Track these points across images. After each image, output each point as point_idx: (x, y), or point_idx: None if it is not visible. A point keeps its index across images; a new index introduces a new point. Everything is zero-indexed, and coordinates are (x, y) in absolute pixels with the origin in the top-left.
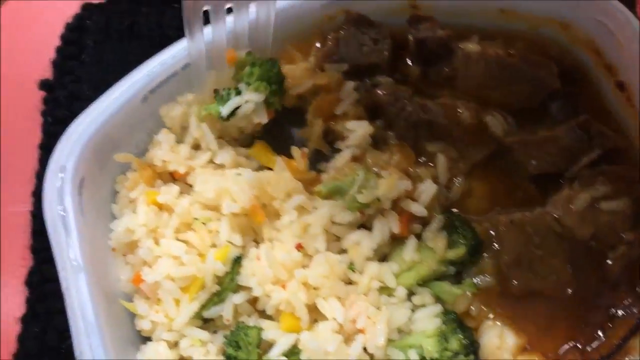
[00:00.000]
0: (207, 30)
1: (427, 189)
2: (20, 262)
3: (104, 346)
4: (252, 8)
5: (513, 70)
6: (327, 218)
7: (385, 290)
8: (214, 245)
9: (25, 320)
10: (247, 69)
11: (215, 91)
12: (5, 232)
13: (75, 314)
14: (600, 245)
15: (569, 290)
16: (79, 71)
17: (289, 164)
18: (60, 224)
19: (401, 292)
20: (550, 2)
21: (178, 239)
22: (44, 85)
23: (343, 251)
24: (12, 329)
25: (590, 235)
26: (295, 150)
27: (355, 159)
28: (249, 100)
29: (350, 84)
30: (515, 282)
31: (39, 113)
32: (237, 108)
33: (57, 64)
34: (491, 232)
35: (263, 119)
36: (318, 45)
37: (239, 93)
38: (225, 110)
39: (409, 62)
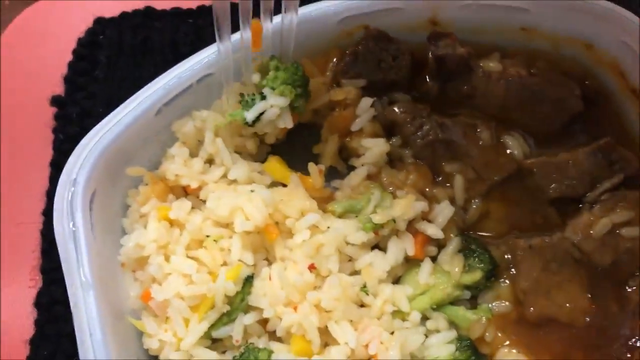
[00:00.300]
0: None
1: (444, 211)
2: (28, 283)
3: None
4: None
5: (535, 91)
6: (341, 238)
7: (398, 314)
8: (225, 264)
9: (34, 342)
10: (271, 73)
11: (241, 95)
12: (13, 249)
13: (83, 331)
14: (620, 272)
15: (587, 319)
16: (91, 87)
17: (304, 181)
18: (71, 239)
19: (415, 316)
20: (573, 22)
21: (189, 256)
22: (56, 101)
23: (356, 272)
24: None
25: (610, 262)
26: (312, 167)
27: (371, 177)
28: (275, 105)
29: (367, 101)
30: (532, 309)
31: (50, 130)
32: (262, 113)
33: (69, 80)
34: (508, 256)
35: (288, 123)
36: (335, 60)
37: (264, 98)
38: (250, 115)
39: (428, 80)
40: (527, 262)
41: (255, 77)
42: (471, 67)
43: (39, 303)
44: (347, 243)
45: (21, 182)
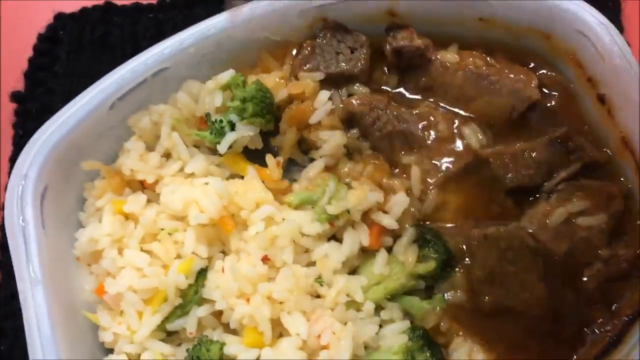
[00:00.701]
0: None
1: (399, 202)
2: None
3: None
4: None
5: (492, 81)
6: (295, 229)
7: (353, 304)
8: (179, 257)
9: None
10: (237, 103)
11: (207, 116)
12: None
13: (31, 327)
14: (575, 261)
15: (542, 308)
16: (51, 83)
17: (262, 173)
18: (20, 234)
19: (369, 306)
20: (530, 12)
21: (143, 250)
22: (16, 97)
23: (312, 264)
24: None
25: (565, 251)
26: (269, 159)
27: (329, 169)
28: (245, 135)
29: (324, 94)
30: (487, 298)
31: (10, 125)
32: None
33: (29, 76)
34: (463, 246)
35: (259, 145)
36: (294, 53)
37: (232, 125)
38: (222, 147)
39: (386, 72)
40: (483, 251)
41: (218, 100)
42: (429, 59)
43: None
44: (303, 234)
45: None
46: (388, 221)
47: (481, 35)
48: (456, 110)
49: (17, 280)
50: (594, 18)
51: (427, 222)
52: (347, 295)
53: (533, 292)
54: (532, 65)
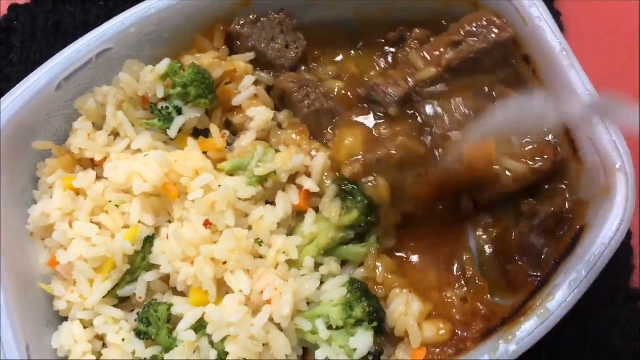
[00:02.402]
0: None
1: (318, 163)
2: None
3: (12, 325)
4: None
5: None
6: (232, 194)
7: (294, 263)
8: (126, 227)
9: None
10: (179, 89)
11: (152, 106)
12: None
13: None
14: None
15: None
16: (7, 70)
17: (206, 143)
18: None
19: (308, 262)
20: None
21: (92, 222)
22: None
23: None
24: None
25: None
26: (213, 127)
27: (260, 139)
28: (193, 117)
29: (249, 79)
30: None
31: None
32: None
33: None
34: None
35: (207, 124)
36: (221, 28)
37: (178, 110)
38: (173, 131)
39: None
40: (382, 175)
41: (160, 92)
42: None
43: None
44: (239, 199)
45: None
46: (310, 184)
47: (414, 8)
48: None
49: None
50: None
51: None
52: (285, 254)
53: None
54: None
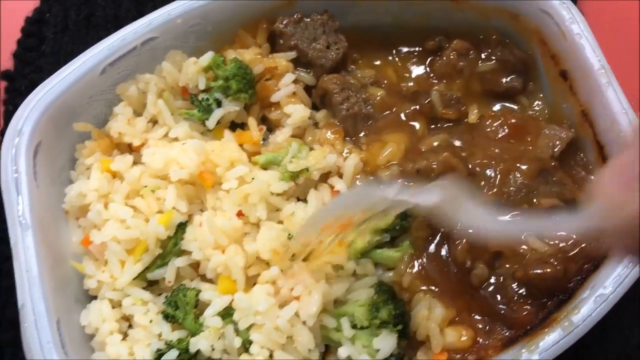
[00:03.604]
0: None
1: (349, 163)
2: None
3: (45, 298)
4: None
5: None
6: (265, 187)
7: (336, 267)
8: (160, 212)
9: None
10: (220, 82)
11: (192, 97)
12: None
13: (20, 268)
14: None
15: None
16: (39, 61)
17: (242, 136)
18: (13, 184)
19: (350, 266)
20: None
21: (127, 205)
22: (6, 75)
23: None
24: None
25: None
26: (251, 120)
27: (295, 137)
28: (231, 111)
29: (289, 77)
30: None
31: (0, 102)
32: None
33: (17, 56)
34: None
35: (245, 119)
36: (265, 26)
37: (218, 103)
38: (211, 123)
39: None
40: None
41: (202, 84)
42: None
43: None
44: (272, 193)
45: None
46: (341, 185)
47: (456, 21)
48: None
49: (8, 227)
50: None
51: None
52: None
53: None
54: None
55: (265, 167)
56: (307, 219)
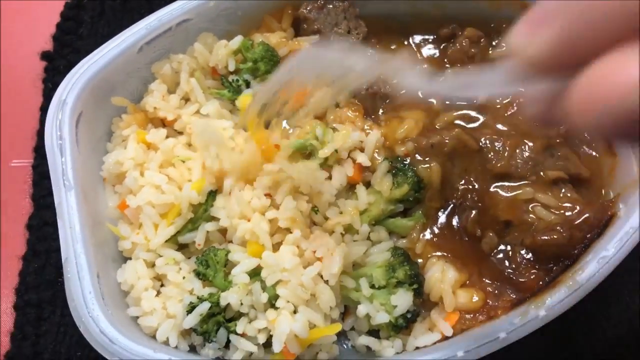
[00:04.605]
0: None
1: (371, 140)
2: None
3: (86, 253)
4: None
5: None
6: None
7: (349, 229)
8: (190, 181)
9: (26, 258)
10: (249, 64)
11: (223, 78)
12: (9, 184)
13: (64, 225)
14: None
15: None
16: (77, 44)
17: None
18: (58, 149)
19: (365, 229)
20: None
21: (161, 173)
22: (45, 56)
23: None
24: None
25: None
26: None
27: (318, 117)
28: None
29: None
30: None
31: (40, 80)
32: None
33: (57, 38)
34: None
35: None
36: (290, 11)
37: (247, 84)
38: (240, 102)
39: None
40: (433, 158)
41: (231, 66)
42: None
43: (30, 225)
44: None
45: (15, 126)
46: (362, 158)
47: (465, 7)
48: None
49: (53, 188)
50: None
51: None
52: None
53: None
54: None
55: (293, 154)
56: None
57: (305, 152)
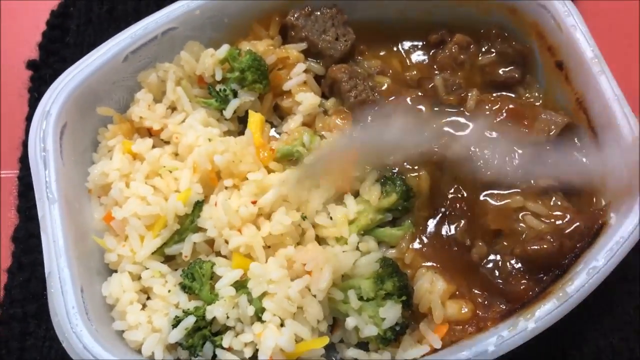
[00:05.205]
0: None
1: None
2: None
3: (70, 267)
4: None
5: None
6: (283, 190)
7: (339, 239)
8: (177, 191)
9: (11, 271)
10: (236, 74)
11: (210, 87)
12: None
13: (48, 238)
14: None
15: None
16: (63, 52)
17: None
18: (41, 161)
19: (353, 239)
20: None
21: (147, 184)
22: (31, 65)
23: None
24: None
25: None
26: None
27: (307, 125)
28: (247, 101)
29: (300, 66)
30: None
31: (26, 90)
32: None
33: (43, 46)
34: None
35: (258, 107)
36: (277, 19)
37: (234, 93)
38: (228, 112)
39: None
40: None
41: (218, 75)
42: None
43: (15, 237)
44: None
45: (2, 136)
46: None
47: (457, 15)
48: None
49: (37, 201)
50: None
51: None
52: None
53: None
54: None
55: (280, 160)
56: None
57: (292, 159)
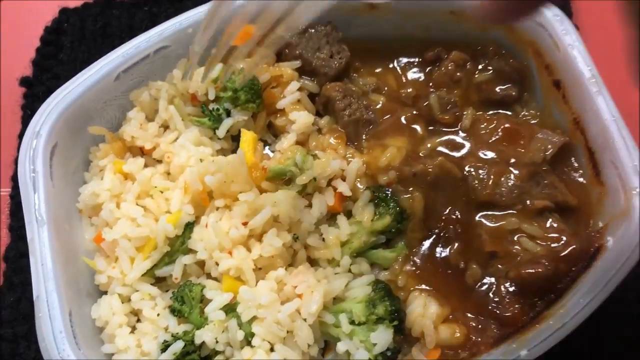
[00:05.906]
0: None
1: (353, 168)
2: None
3: (58, 291)
4: None
5: None
6: (274, 210)
7: (331, 261)
8: (168, 212)
9: (2, 291)
10: (229, 94)
11: (203, 107)
12: None
13: (36, 261)
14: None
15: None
16: (57, 69)
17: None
18: (31, 182)
19: (345, 262)
20: None
21: (138, 205)
22: (24, 82)
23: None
24: None
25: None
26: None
27: (301, 143)
28: (240, 120)
29: (294, 84)
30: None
31: (19, 107)
32: None
33: (36, 63)
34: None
35: (251, 126)
36: None
37: (228, 113)
38: (221, 132)
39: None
40: (415, 188)
41: (211, 94)
42: None
43: (6, 257)
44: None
45: None
46: (343, 187)
47: (455, 33)
48: None
49: (26, 223)
50: (551, 11)
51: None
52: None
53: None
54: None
55: (272, 180)
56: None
57: (284, 178)
